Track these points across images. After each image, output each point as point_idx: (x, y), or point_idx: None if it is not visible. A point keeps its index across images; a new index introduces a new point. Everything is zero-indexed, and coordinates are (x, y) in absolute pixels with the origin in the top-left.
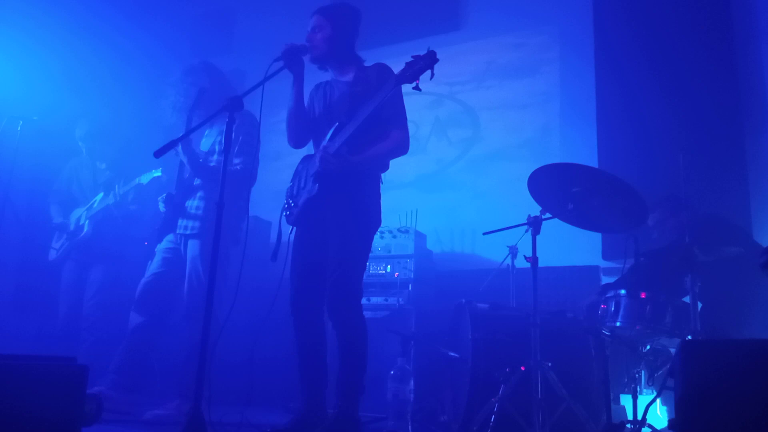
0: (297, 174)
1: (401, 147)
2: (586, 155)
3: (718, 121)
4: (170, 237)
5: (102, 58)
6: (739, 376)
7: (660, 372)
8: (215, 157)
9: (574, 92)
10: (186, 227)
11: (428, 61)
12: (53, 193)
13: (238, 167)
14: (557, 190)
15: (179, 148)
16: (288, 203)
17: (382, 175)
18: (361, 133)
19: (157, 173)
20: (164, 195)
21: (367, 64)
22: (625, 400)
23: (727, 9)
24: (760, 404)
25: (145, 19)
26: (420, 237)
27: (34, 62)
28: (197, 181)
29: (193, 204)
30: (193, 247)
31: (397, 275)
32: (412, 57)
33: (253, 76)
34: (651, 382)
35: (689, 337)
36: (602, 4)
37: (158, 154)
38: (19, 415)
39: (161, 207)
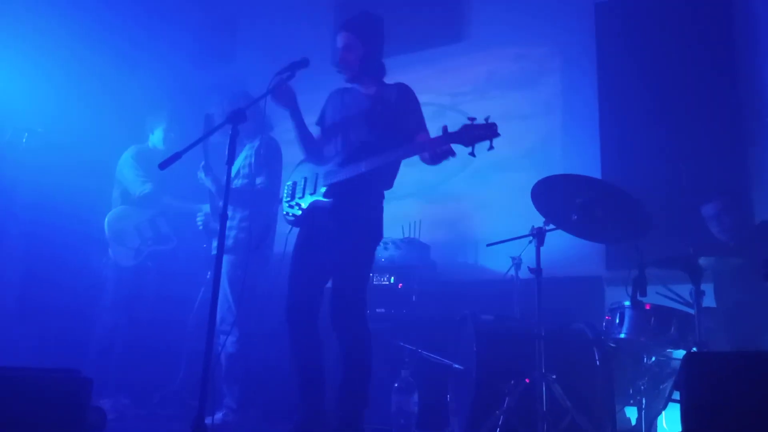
0: (300, 173)
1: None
2: (589, 166)
3: (719, 130)
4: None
5: (107, 69)
6: (744, 388)
7: (665, 384)
8: (239, 181)
9: (576, 102)
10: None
11: (488, 132)
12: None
13: (260, 186)
14: (561, 201)
15: (202, 175)
16: (289, 203)
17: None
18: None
19: None
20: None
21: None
22: (631, 413)
23: (729, 18)
24: (766, 416)
25: (149, 31)
26: (423, 248)
27: (38, 73)
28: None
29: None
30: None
31: (401, 286)
32: (469, 119)
33: (255, 84)
34: (656, 394)
35: (694, 348)
36: (604, 14)
37: (163, 166)
38: (23, 426)
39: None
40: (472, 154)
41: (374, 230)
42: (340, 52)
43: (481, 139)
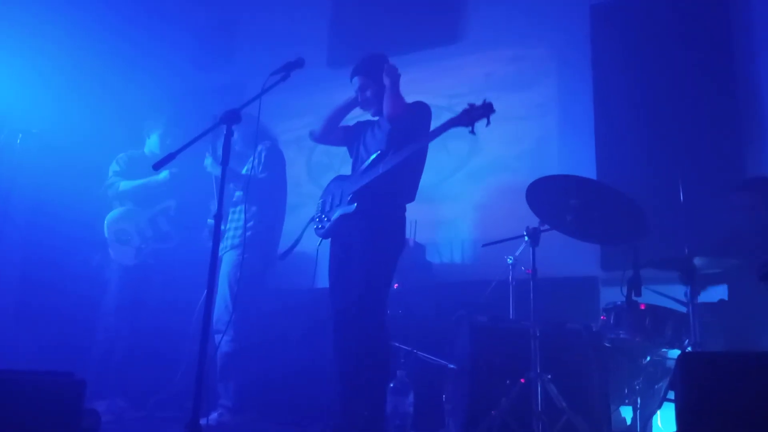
0: (329, 191)
1: None
2: (584, 167)
3: (716, 132)
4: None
5: (106, 70)
6: (739, 388)
7: (660, 384)
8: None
9: (571, 104)
10: (224, 247)
11: (485, 111)
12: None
13: (262, 179)
14: (555, 201)
15: (209, 161)
16: (320, 217)
17: None
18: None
19: None
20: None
21: None
22: (626, 412)
23: (726, 20)
24: (761, 416)
25: (149, 31)
26: (419, 248)
27: (37, 74)
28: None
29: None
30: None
31: (396, 286)
32: (468, 105)
33: (254, 85)
34: (651, 393)
35: (689, 348)
36: (599, 17)
37: (157, 166)
38: (15, 428)
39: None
40: (472, 132)
41: (395, 237)
42: (359, 94)
43: (479, 117)
